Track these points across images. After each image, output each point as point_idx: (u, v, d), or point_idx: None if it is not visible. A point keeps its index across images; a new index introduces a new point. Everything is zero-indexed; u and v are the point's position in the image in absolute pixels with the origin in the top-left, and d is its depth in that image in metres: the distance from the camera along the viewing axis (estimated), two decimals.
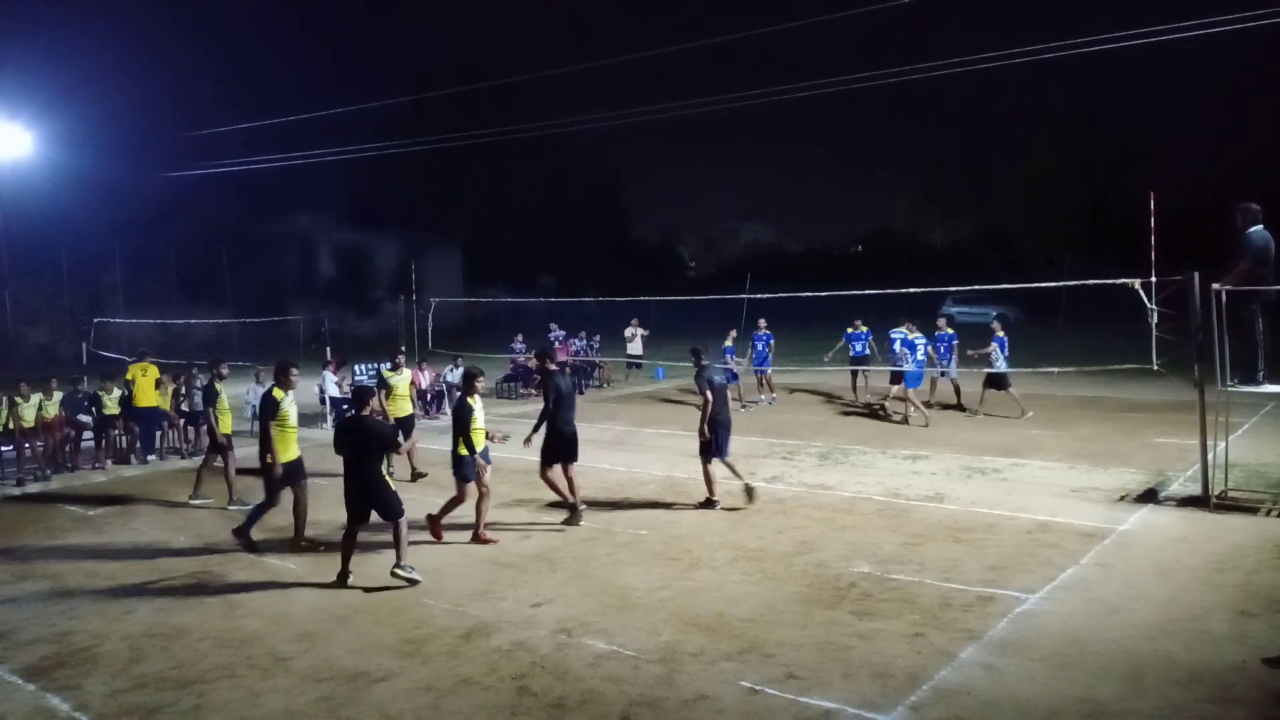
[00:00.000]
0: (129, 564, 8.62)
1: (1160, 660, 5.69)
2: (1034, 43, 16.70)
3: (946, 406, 16.45)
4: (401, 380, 12.09)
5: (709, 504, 9.80)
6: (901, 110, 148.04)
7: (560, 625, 6.62)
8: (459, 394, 9.23)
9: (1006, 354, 15.66)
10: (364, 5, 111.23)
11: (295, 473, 9.03)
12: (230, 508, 10.62)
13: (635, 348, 22.28)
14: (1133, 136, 46.40)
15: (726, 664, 5.86)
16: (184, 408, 14.65)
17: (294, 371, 9.23)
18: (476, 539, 8.81)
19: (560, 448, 9.62)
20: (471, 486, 8.82)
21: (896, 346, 15.32)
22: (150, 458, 14.09)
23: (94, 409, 14.03)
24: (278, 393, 8.98)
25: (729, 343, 18.32)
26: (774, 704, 5.31)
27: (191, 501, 10.99)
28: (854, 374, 18.26)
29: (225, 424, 11.17)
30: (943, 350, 16.15)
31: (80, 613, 7.31)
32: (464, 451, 8.71)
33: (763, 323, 18.25)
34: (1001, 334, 15.70)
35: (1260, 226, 9.02)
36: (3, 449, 13.10)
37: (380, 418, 9.46)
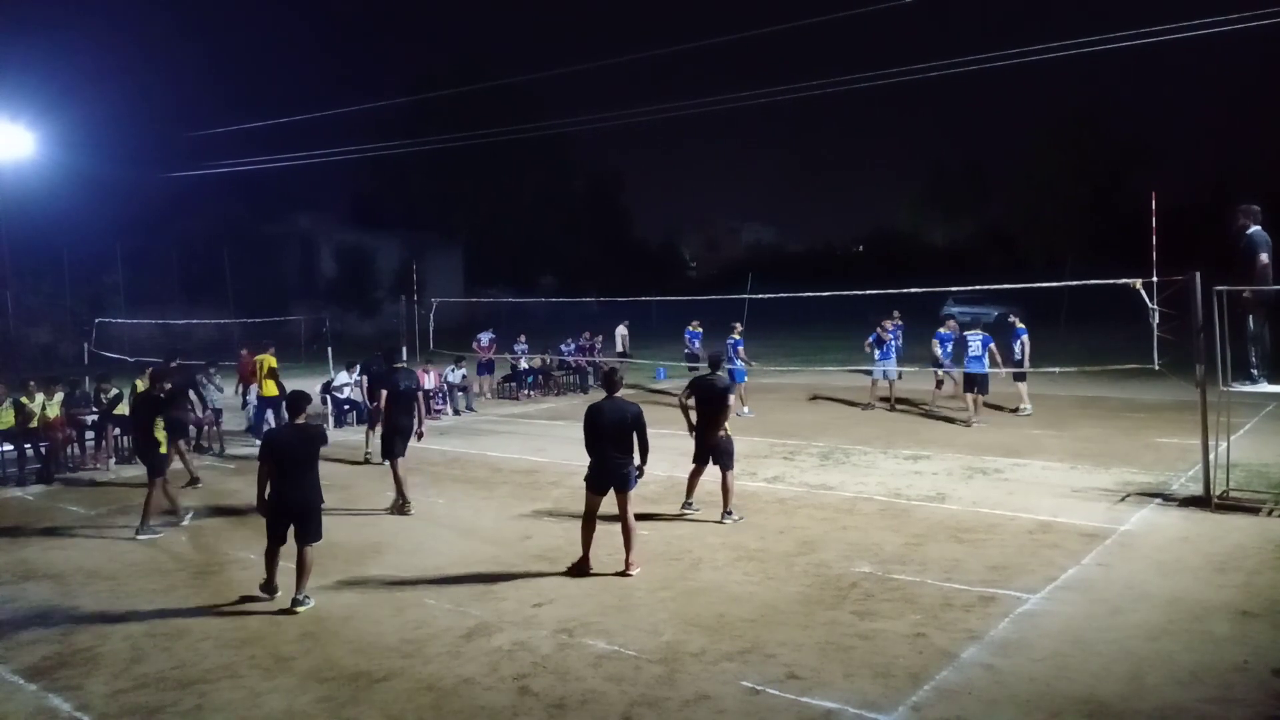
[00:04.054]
0: (131, 564, 8.62)
1: (1162, 660, 5.68)
2: (1036, 43, 16.71)
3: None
4: None
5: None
6: (903, 110, 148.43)
7: (561, 625, 6.62)
8: None
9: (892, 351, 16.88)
10: (365, 5, 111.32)
11: None
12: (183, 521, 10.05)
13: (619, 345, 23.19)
14: (1134, 137, 46.24)
15: (728, 664, 5.86)
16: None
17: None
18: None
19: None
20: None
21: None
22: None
23: (98, 407, 14.08)
24: None
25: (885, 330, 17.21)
26: (775, 704, 5.31)
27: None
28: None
29: (164, 445, 10.12)
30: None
31: (82, 613, 7.31)
32: None
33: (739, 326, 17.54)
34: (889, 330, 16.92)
35: (1259, 227, 9.00)
36: (4, 449, 13.11)
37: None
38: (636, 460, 7.87)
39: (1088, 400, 17.30)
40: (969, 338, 15.28)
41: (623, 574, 7.72)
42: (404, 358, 11.66)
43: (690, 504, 9.81)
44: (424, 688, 5.70)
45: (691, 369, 19.17)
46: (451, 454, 14.01)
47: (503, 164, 49.94)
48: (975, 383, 15.04)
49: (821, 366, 23.48)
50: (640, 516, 9.49)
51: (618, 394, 8.05)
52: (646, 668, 5.85)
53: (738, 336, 17.59)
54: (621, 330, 23.45)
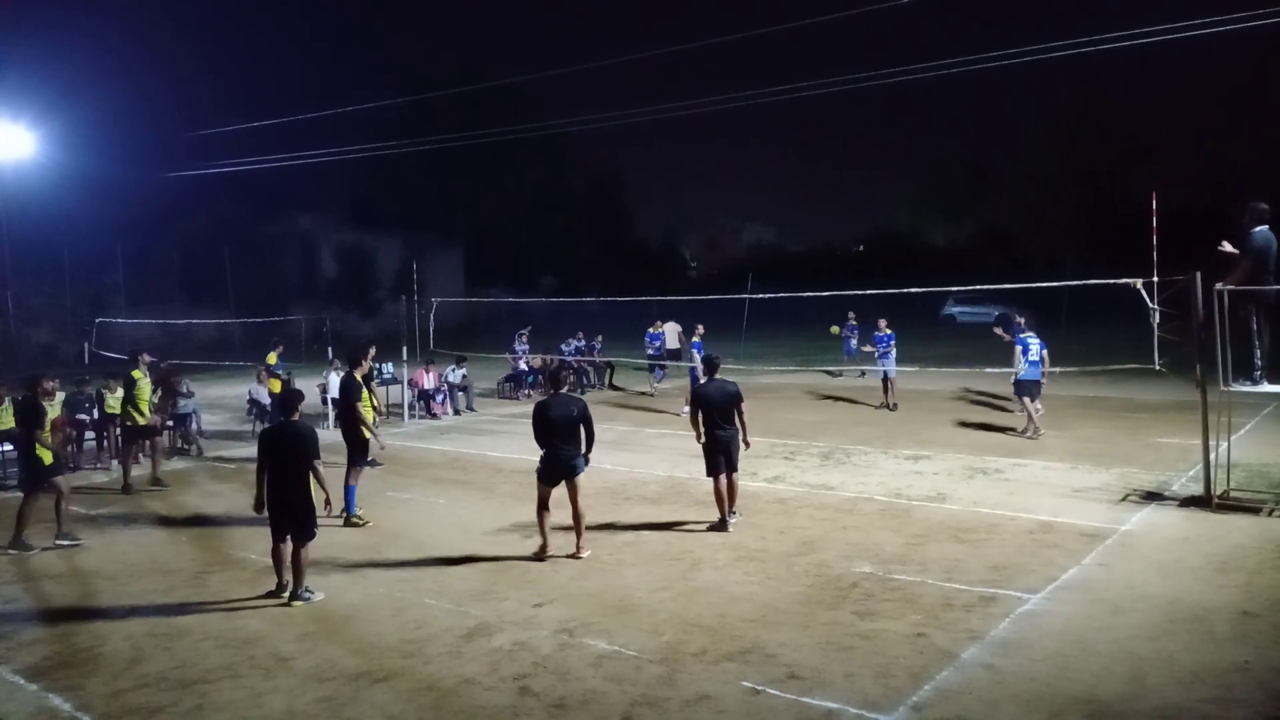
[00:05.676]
0: (131, 564, 8.62)
1: (1162, 660, 5.68)
2: (1036, 42, 16.73)
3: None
4: None
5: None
6: (902, 110, 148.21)
7: (562, 625, 6.62)
8: None
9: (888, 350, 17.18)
10: (365, 5, 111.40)
11: None
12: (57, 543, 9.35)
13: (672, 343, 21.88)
14: (1134, 136, 46.39)
15: (728, 664, 5.86)
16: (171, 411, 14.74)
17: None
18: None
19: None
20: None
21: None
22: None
23: (96, 407, 14.07)
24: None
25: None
26: (776, 704, 5.30)
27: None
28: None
29: (47, 456, 9.35)
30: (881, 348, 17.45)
31: (82, 613, 7.31)
32: None
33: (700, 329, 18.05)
34: (886, 331, 17.25)
35: (1265, 227, 8.99)
36: (4, 449, 13.10)
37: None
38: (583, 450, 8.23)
39: (1088, 400, 17.29)
40: (1028, 341, 13.62)
41: (573, 556, 8.12)
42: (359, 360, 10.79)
43: (734, 513, 9.21)
44: (424, 688, 5.70)
45: (653, 368, 20.35)
46: (451, 454, 14.01)
47: (503, 164, 49.96)
48: (1030, 390, 13.65)
49: (822, 366, 23.45)
50: (641, 521, 9.52)
51: (563, 390, 8.53)
52: (647, 668, 5.85)
53: (698, 339, 17.71)
54: (675, 327, 22.17)
